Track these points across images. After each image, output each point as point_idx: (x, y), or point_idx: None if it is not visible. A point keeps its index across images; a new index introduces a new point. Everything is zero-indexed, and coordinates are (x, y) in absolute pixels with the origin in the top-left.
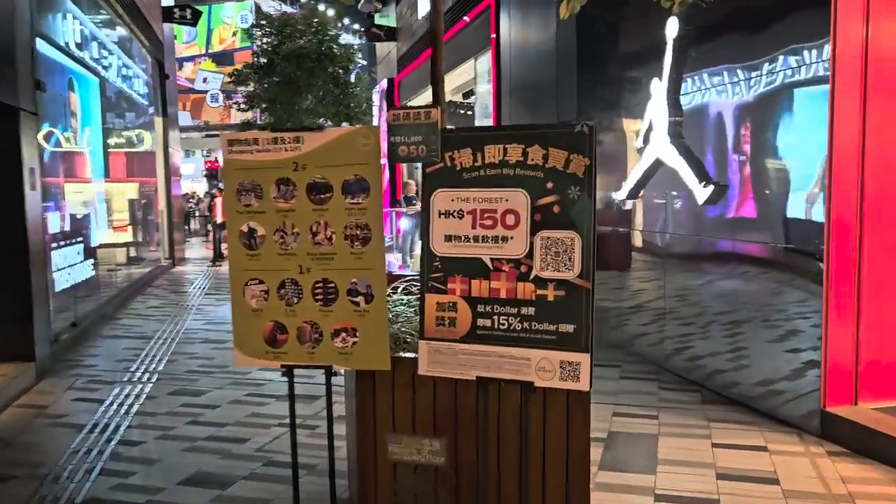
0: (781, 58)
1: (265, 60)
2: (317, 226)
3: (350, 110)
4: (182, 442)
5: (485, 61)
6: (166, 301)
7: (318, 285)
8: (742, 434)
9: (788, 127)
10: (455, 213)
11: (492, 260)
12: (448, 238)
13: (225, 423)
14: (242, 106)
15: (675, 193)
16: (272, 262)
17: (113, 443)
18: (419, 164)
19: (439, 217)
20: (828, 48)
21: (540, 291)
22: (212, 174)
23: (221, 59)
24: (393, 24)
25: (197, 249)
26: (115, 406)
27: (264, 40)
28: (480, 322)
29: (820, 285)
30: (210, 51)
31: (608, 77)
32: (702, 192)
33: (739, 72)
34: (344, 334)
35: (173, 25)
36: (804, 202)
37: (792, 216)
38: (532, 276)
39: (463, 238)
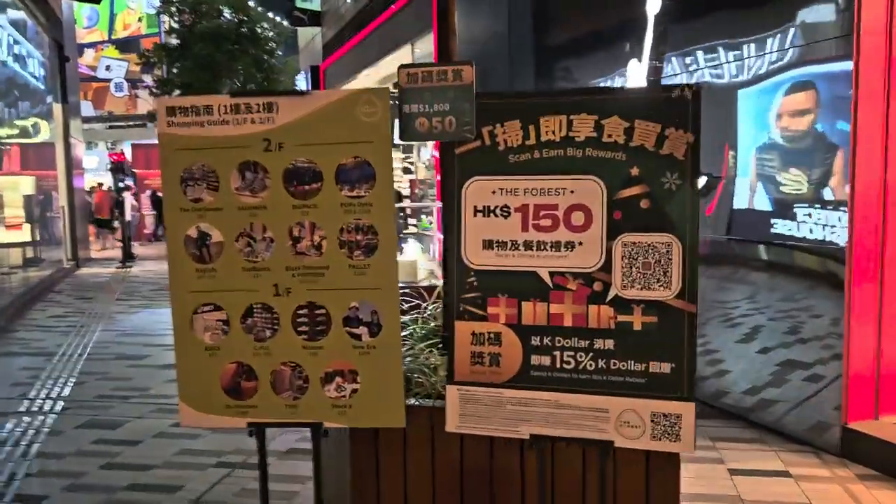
0: (791, 31)
1: (178, 41)
2: (300, 228)
3: None
4: (97, 494)
5: (424, 45)
6: (71, 309)
7: (301, 312)
8: (756, 456)
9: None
10: (498, 211)
11: (552, 274)
12: (488, 245)
13: (150, 464)
14: (154, 91)
15: None
16: (234, 281)
17: (6, 500)
18: (428, 144)
19: (475, 215)
20: (847, 21)
21: (622, 318)
22: (117, 168)
23: (126, 46)
24: (318, 7)
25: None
26: (8, 447)
27: (175, 18)
28: (535, 360)
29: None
30: (113, 37)
31: (572, 58)
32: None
33: (741, 49)
34: (339, 379)
35: (73, 5)
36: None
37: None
38: (610, 297)
39: (510, 245)
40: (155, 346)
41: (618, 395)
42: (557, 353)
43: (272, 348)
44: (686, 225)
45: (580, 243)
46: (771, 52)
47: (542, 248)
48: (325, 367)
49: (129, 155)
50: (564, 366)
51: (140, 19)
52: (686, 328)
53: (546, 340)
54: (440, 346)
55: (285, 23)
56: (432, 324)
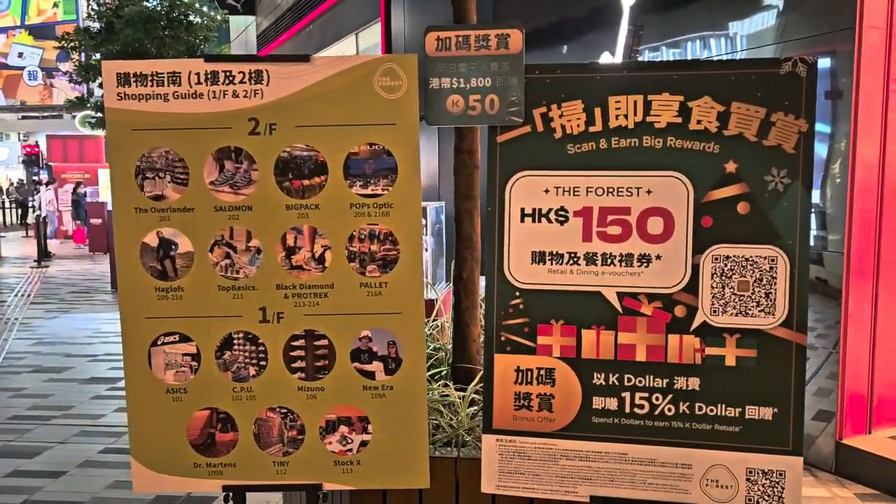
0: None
1: (102, 26)
2: (296, 236)
3: None
4: None
5: (370, 36)
6: None
7: (296, 343)
8: None
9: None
10: (553, 215)
11: (621, 296)
12: (539, 258)
13: (76, 501)
14: (75, 78)
15: None
16: (208, 303)
17: None
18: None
19: (522, 220)
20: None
21: (711, 350)
22: (31, 160)
23: (40, 32)
24: None
25: (16, 246)
26: None
27: (98, 0)
28: (598, 403)
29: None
30: (27, 23)
31: (538, 51)
32: None
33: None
34: (345, 429)
35: None
36: None
37: None
38: (697, 325)
39: (567, 258)
40: (77, 356)
41: (704, 448)
42: (627, 395)
43: (257, 390)
44: (795, 235)
45: (658, 257)
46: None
47: (610, 262)
48: (327, 414)
49: (43, 147)
50: (636, 410)
51: (56, 5)
52: (794, 364)
53: (612, 379)
54: (451, 378)
55: (214, 13)
56: (431, 346)
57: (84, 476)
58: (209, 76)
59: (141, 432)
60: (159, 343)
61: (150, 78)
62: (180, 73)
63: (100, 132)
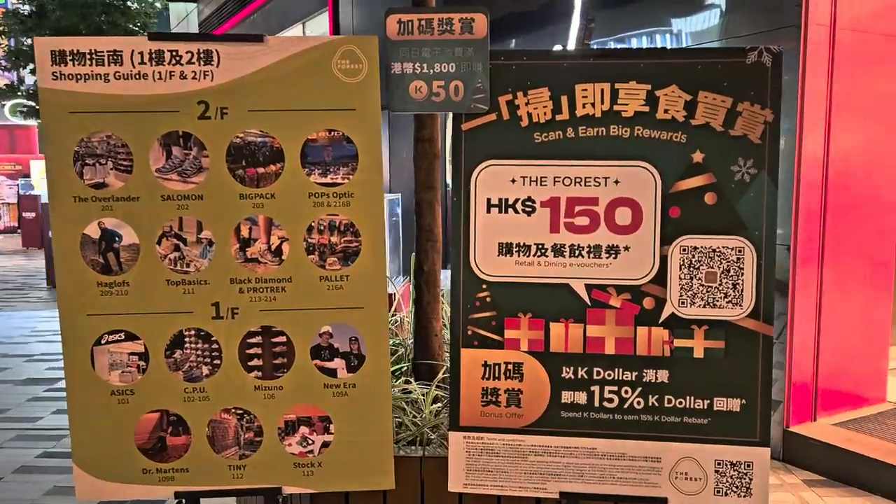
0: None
1: (32, 9)
2: (250, 227)
3: None
4: None
5: (318, 25)
6: None
7: (252, 341)
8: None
9: None
10: (519, 205)
11: (589, 288)
12: (506, 249)
13: None
14: (4, 65)
15: None
16: (156, 299)
17: None
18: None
19: (489, 211)
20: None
21: (680, 342)
22: None
23: None
24: None
25: None
26: None
27: None
28: (567, 397)
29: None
30: None
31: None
32: None
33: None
34: (305, 429)
35: None
36: None
37: None
38: (665, 317)
39: (535, 249)
40: (12, 356)
41: (673, 440)
42: (596, 389)
43: (210, 390)
44: (762, 226)
45: (626, 248)
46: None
47: (577, 253)
48: (286, 414)
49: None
50: (605, 404)
51: None
52: (761, 355)
53: (581, 372)
54: (412, 374)
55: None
56: (391, 342)
57: (21, 483)
58: (154, 56)
59: (84, 437)
60: (103, 342)
61: (88, 56)
62: (122, 51)
63: (32, 122)
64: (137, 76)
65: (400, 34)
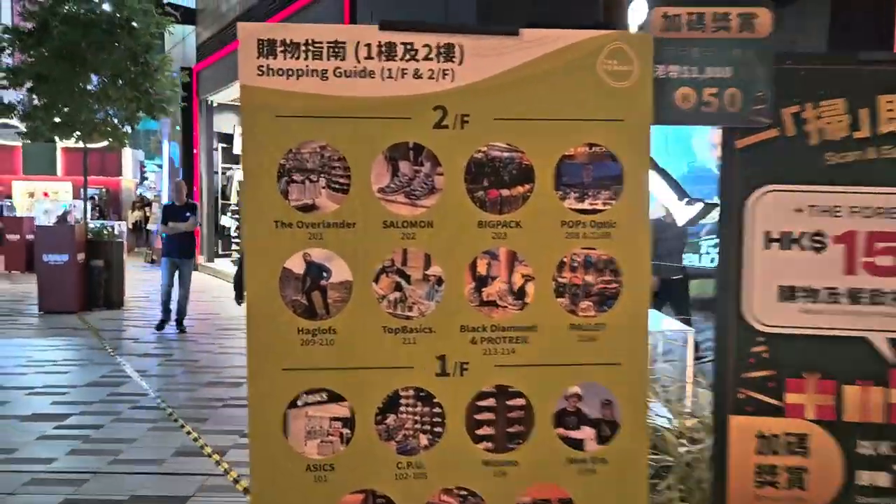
0: None
1: (33, 26)
2: (489, 261)
3: (150, 97)
4: None
5: None
6: None
7: (484, 403)
8: None
9: None
10: (806, 241)
11: (893, 342)
12: (788, 294)
13: None
14: (2, 83)
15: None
16: (369, 350)
17: None
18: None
19: (767, 247)
20: None
21: None
22: None
23: None
24: (191, 4)
25: None
26: None
27: None
28: (865, 478)
29: None
30: None
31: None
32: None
33: None
34: None
35: None
36: None
37: None
38: None
39: (825, 294)
40: (12, 388)
41: None
42: None
43: (429, 466)
44: None
45: None
46: None
47: (879, 300)
48: (520, 496)
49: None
50: None
51: None
52: None
53: (883, 447)
54: None
55: (160, 18)
56: None
57: None
58: (384, 49)
59: None
60: (300, 403)
61: (303, 48)
62: (345, 42)
63: (14, 142)
64: (362, 73)
65: (666, 29)
